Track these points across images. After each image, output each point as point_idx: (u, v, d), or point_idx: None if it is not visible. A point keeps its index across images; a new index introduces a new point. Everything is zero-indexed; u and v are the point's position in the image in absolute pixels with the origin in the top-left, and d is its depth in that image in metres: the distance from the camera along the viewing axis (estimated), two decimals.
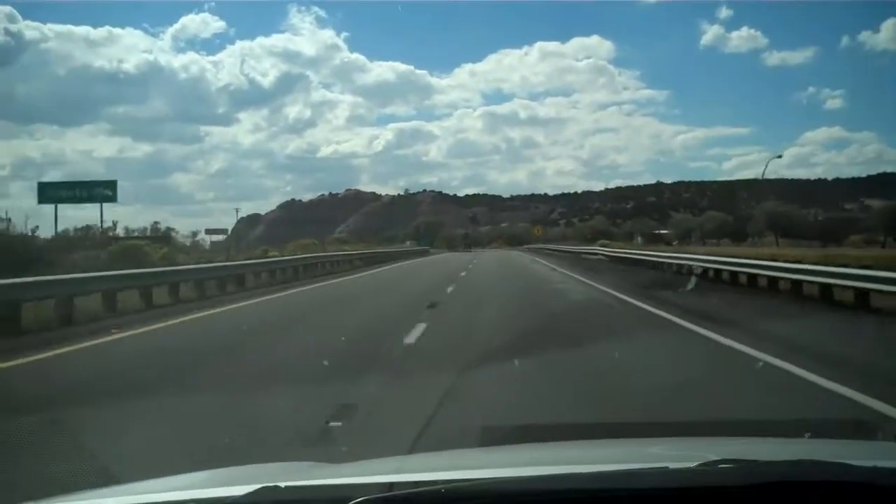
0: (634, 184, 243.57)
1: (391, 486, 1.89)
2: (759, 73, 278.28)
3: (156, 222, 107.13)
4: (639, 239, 76.40)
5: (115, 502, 2.09)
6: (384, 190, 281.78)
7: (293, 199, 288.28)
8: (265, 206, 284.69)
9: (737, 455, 2.00)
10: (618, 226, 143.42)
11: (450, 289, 22.88)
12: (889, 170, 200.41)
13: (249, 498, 1.81)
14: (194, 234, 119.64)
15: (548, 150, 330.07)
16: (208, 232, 67.71)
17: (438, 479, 1.94)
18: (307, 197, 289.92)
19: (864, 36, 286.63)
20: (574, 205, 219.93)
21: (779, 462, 1.94)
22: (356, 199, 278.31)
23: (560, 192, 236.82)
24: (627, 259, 35.56)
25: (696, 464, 1.96)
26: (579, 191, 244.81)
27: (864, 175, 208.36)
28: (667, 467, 2.00)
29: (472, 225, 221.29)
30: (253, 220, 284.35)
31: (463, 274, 31.48)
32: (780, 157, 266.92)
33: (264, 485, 1.87)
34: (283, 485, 1.89)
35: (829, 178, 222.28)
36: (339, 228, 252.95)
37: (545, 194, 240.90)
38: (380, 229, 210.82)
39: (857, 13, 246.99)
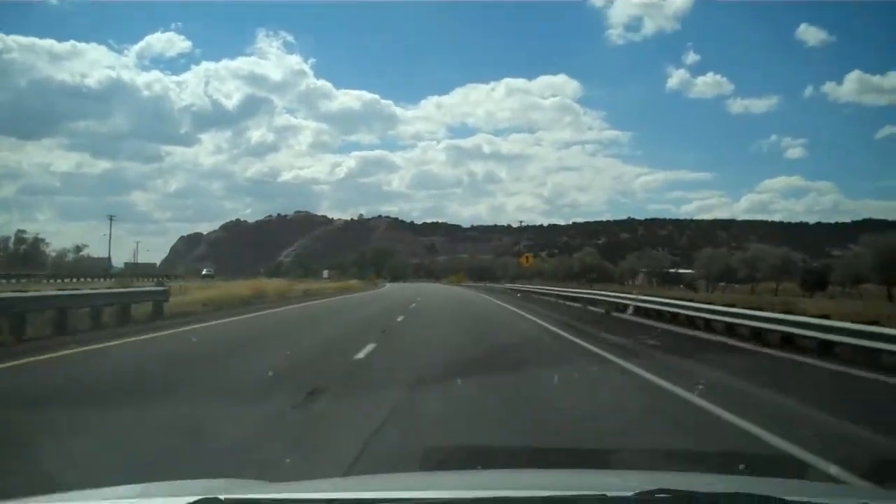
0: (603, 219, 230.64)
1: (329, 502, 1.93)
2: (723, 119, 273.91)
3: (20, 230, 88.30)
4: (637, 280, 59.29)
5: None
6: (345, 217, 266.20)
7: (238, 220, 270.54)
8: (211, 226, 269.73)
9: (674, 486, 2.01)
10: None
11: None
12: (874, 216, 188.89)
13: None
14: (78, 248, 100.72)
15: (510, 185, 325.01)
16: None
17: (375, 499, 1.96)
18: (254, 218, 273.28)
19: (829, 87, 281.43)
20: (540, 238, 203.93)
21: (716, 494, 2.01)
22: (306, 222, 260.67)
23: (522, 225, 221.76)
24: None
25: (633, 493, 1.95)
26: (545, 224, 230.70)
27: (848, 221, 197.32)
28: (605, 495, 1.99)
29: (430, 254, 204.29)
30: (194, 239, 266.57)
31: None
32: None
33: (205, 496, 1.89)
34: (222, 497, 1.90)
35: (811, 222, 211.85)
36: (285, 252, 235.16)
37: (508, 226, 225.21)
38: (328, 255, 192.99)
39: (822, 64, 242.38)
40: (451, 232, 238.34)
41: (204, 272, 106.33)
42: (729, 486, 2.28)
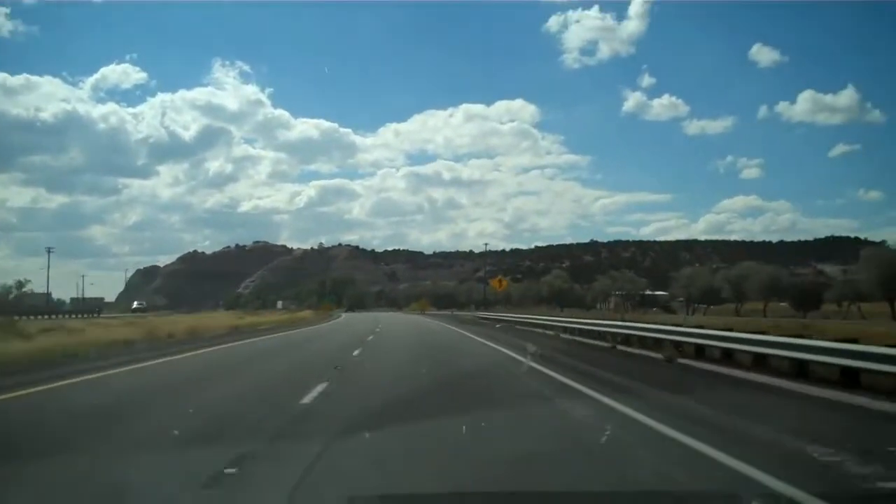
0: (566, 242, 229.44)
1: None
2: (680, 140, 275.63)
3: None
4: (611, 304, 56.47)
5: None
6: (305, 247, 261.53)
7: (195, 251, 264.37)
8: (169, 259, 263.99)
9: None
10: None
11: None
12: (836, 234, 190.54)
13: None
14: (20, 284, 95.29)
15: (470, 211, 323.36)
16: None
17: None
18: (212, 249, 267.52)
19: (782, 107, 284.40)
20: (502, 263, 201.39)
21: None
22: (265, 253, 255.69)
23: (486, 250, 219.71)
24: None
25: None
26: (507, 249, 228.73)
27: (810, 239, 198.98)
28: None
29: (391, 282, 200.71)
30: (150, 272, 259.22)
31: None
32: None
33: None
34: None
35: (772, 241, 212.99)
36: (244, 283, 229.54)
37: (470, 251, 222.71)
38: (288, 285, 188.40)
39: (776, 84, 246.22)
40: (412, 259, 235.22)
41: (135, 305, 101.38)
42: None
